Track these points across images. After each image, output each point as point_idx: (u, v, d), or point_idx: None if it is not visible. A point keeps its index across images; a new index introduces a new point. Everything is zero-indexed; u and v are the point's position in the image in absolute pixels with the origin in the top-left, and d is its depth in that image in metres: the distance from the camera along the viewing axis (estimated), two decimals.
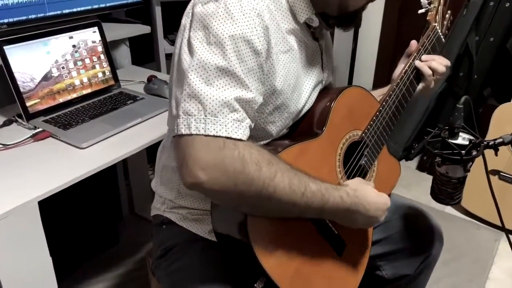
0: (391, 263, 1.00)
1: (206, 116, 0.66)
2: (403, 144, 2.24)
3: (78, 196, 1.56)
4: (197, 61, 0.68)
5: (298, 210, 0.71)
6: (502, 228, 0.97)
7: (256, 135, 0.81)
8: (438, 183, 0.83)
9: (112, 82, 1.42)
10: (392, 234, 0.99)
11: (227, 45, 0.67)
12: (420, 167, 2.29)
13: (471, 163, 0.79)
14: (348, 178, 0.86)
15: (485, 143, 0.79)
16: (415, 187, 2.12)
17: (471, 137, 0.78)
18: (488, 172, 0.90)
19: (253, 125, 0.73)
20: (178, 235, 0.88)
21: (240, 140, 0.67)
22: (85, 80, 1.34)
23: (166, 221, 0.91)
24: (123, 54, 1.76)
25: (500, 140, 0.79)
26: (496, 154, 0.80)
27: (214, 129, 0.65)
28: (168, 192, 0.91)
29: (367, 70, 2.53)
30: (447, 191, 0.81)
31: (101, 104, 1.32)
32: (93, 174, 1.02)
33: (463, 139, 0.79)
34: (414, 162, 2.34)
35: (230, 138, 0.66)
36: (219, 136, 0.65)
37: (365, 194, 0.78)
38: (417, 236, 0.99)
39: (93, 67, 1.37)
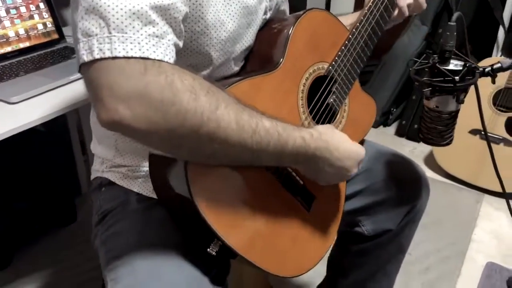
0: (371, 217, 0.88)
1: (110, 33, 0.49)
2: (381, 109, 2.16)
3: (30, 170, 1.42)
4: None
5: (250, 154, 0.57)
6: (502, 193, 0.88)
7: (196, 62, 0.66)
8: (427, 120, 0.71)
9: (55, 36, 1.25)
10: (373, 183, 0.87)
11: None
12: (399, 133, 2.21)
13: (464, 93, 0.67)
14: (314, 119, 0.73)
15: (481, 69, 0.67)
16: None
17: (465, 62, 0.67)
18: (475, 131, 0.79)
19: (181, 45, 0.57)
20: (117, 196, 0.74)
21: (161, 61, 0.51)
22: (21, 32, 1.17)
23: (105, 183, 0.77)
24: None
25: (498, 65, 0.67)
26: (493, 82, 0.69)
27: (123, 48, 0.49)
28: (106, 150, 0.77)
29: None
30: (437, 129, 0.69)
31: (41, 59, 1.15)
32: (24, 130, 0.86)
33: (455, 65, 0.67)
34: (392, 128, 2.25)
35: (147, 58, 0.50)
36: (132, 57, 0.49)
37: (333, 138, 0.64)
38: (401, 185, 0.87)
39: (31, 17, 1.19)
